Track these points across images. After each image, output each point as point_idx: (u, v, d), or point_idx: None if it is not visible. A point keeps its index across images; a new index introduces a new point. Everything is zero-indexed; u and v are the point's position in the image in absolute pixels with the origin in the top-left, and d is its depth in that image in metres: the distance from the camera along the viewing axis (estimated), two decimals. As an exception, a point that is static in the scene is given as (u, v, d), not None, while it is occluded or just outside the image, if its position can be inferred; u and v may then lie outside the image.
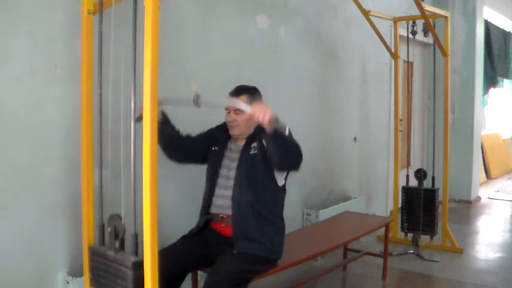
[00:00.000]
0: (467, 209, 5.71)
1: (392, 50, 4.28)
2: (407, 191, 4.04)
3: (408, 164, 4.48)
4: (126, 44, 1.73)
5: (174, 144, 2.27)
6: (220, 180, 2.30)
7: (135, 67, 1.65)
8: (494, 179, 7.61)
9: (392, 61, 4.42)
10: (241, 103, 2.06)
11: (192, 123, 2.40)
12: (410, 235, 4.02)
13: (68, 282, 2.19)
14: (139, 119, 1.63)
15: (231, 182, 2.25)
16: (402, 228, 4.06)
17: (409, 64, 4.75)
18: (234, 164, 2.27)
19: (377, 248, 3.82)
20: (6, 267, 2.02)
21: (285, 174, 2.29)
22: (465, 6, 5.83)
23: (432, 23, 3.85)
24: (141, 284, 1.59)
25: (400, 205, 4.09)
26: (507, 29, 7.26)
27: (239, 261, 2.11)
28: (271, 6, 3.41)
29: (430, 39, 5.12)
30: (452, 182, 5.05)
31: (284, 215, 2.35)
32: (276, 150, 2.04)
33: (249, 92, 2.27)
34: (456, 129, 5.86)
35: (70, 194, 2.19)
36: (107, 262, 1.77)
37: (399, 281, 3.41)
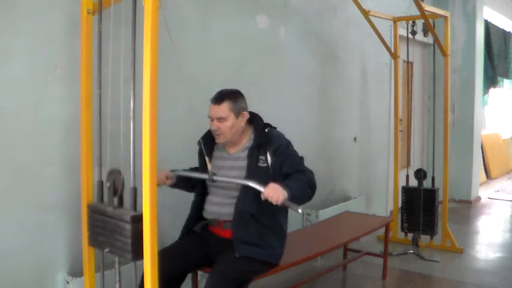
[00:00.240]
0: (467, 209, 5.71)
1: (392, 50, 4.28)
2: (407, 191, 4.04)
3: (408, 164, 4.49)
4: (125, 44, 1.73)
5: (189, 190, 2.38)
6: (211, 189, 2.29)
7: (134, 67, 1.65)
8: (494, 179, 7.61)
9: (392, 61, 4.42)
10: (255, 184, 2.03)
11: (191, 125, 2.40)
12: (410, 235, 4.02)
13: (68, 282, 2.19)
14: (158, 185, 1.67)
15: (224, 191, 2.22)
16: (402, 228, 4.06)
17: (409, 64, 4.75)
18: (226, 172, 2.22)
19: (377, 248, 3.81)
20: (6, 267, 2.02)
21: None
22: (465, 6, 5.83)
23: (432, 23, 3.85)
24: (140, 238, 1.56)
25: (400, 205, 4.09)
26: (507, 29, 7.26)
27: (240, 262, 2.11)
28: (271, 6, 3.41)
29: (430, 39, 5.12)
30: (452, 182, 5.05)
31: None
32: None
33: (231, 98, 2.19)
34: (456, 129, 5.86)
35: (70, 194, 2.19)
36: (105, 218, 1.75)
37: (399, 281, 3.41)
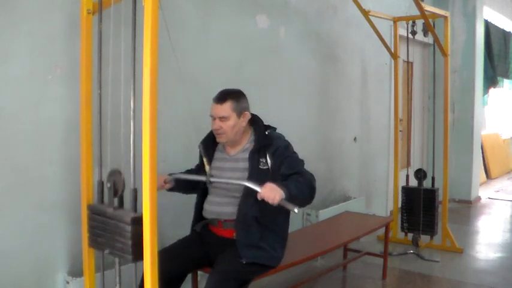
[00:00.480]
0: (467, 209, 5.71)
1: (392, 50, 4.28)
2: (407, 191, 4.04)
3: (408, 164, 4.49)
4: (125, 44, 1.73)
5: (187, 193, 2.39)
6: (211, 189, 2.29)
7: (134, 67, 1.65)
8: (494, 179, 7.61)
9: (392, 61, 4.42)
10: (251, 184, 2.04)
11: (191, 125, 2.40)
12: (410, 235, 4.02)
13: (68, 282, 2.19)
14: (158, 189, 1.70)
15: (224, 191, 2.22)
16: (402, 228, 4.06)
17: (409, 64, 4.75)
18: (227, 173, 2.23)
19: (377, 248, 3.81)
20: (6, 267, 2.02)
21: None
22: (465, 6, 5.83)
23: (432, 23, 3.85)
24: (140, 240, 1.56)
25: (400, 205, 4.09)
26: (507, 29, 7.26)
27: (240, 263, 2.11)
28: (271, 6, 3.41)
29: (430, 39, 5.12)
30: (452, 182, 5.04)
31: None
32: None
33: (234, 97, 2.20)
34: (456, 129, 5.86)
35: (70, 194, 2.19)
36: (105, 219, 1.74)
37: (399, 281, 3.41)
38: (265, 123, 2.31)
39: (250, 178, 2.14)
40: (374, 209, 4.65)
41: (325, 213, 3.69)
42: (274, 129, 2.31)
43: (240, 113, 2.19)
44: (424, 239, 3.95)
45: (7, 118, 2.01)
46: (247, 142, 2.27)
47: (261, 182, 2.04)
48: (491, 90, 7.13)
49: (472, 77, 5.86)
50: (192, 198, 2.39)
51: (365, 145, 4.68)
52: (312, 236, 3.08)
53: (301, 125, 3.75)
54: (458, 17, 5.83)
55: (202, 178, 2.21)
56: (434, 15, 3.94)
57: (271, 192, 1.96)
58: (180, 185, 2.28)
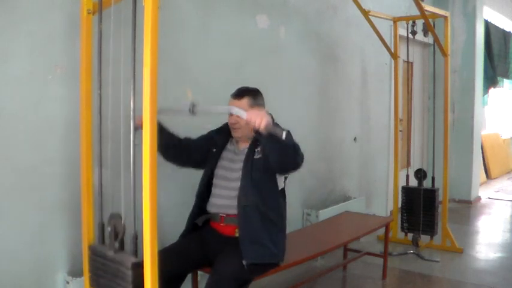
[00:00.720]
0: (467, 209, 5.71)
1: (392, 50, 4.28)
2: (407, 191, 4.04)
3: (408, 164, 4.49)
4: (125, 44, 1.73)
5: (173, 150, 2.30)
6: (217, 181, 2.31)
7: (134, 67, 1.65)
8: (494, 179, 7.61)
9: (392, 61, 4.42)
10: (237, 109, 2.06)
11: (192, 126, 2.40)
12: (410, 235, 4.02)
13: (68, 282, 2.19)
14: (136, 128, 1.65)
15: (232, 184, 2.24)
16: (402, 228, 4.06)
17: (409, 64, 4.75)
18: (235, 166, 2.27)
19: (377, 248, 3.82)
20: (7, 267, 2.02)
21: (283, 177, 2.30)
22: (465, 6, 5.83)
23: (432, 23, 3.85)
24: (141, 284, 1.58)
25: (400, 205, 4.09)
26: (507, 29, 7.26)
27: (240, 262, 2.10)
28: (271, 6, 3.41)
29: (430, 39, 5.12)
30: (452, 182, 5.05)
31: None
32: (272, 153, 2.06)
33: (251, 94, 2.28)
34: (456, 129, 5.86)
35: (70, 194, 2.18)
36: (106, 262, 1.77)
37: (399, 281, 3.41)
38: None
39: (244, 169, 2.20)
40: (374, 209, 4.65)
41: (325, 213, 3.68)
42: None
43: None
44: (424, 239, 3.95)
45: (7, 118, 2.01)
46: None
47: (253, 171, 2.10)
48: (491, 90, 7.13)
49: (472, 77, 5.87)
50: (193, 197, 2.39)
51: (365, 145, 4.68)
52: (312, 236, 3.08)
53: (301, 125, 3.75)
54: (458, 17, 5.83)
55: (185, 108, 2.10)
56: (434, 15, 3.94)
57: (257, 116, 1.92)
58: (165, 134, 2.23)
